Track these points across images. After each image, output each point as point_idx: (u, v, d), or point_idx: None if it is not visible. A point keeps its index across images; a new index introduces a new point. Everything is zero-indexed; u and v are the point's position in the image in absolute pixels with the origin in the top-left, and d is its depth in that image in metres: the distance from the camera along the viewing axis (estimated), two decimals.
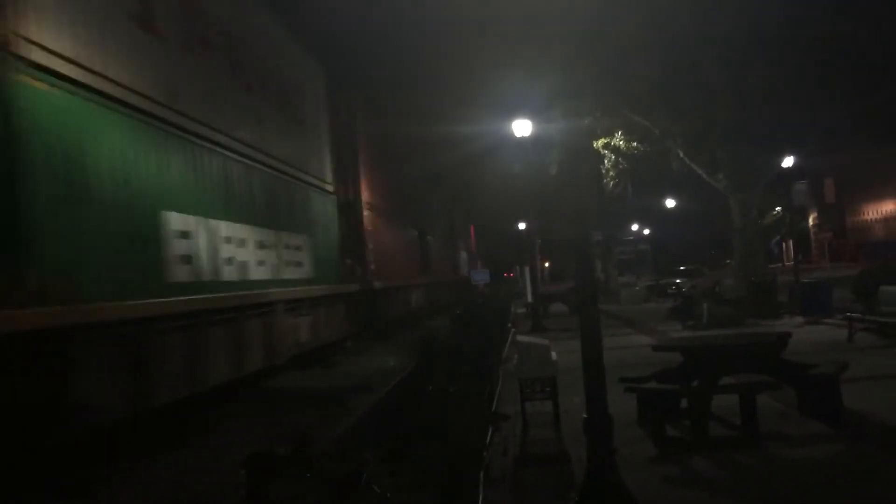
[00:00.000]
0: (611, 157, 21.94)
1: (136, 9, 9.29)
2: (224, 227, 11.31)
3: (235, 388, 11.81)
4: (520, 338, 10.13)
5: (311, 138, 17.12)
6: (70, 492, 7.03)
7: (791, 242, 50.86)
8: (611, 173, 22.07)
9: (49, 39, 7.42)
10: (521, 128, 17.85)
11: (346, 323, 17.76)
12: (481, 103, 24.70)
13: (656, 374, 7.53)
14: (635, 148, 21.32)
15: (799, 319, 16.87)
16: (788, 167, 21.04)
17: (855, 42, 15.99)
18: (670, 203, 43.45)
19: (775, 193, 29.52)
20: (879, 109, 20.79)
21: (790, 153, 20.23)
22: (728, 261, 39.50)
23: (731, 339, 9.48)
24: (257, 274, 12.50)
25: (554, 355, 8.21)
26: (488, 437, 6.98)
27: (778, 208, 37.89)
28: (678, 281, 33.74)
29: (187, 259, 9.97)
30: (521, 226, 36.05)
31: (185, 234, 9.97)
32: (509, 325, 20.20)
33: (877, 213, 52.83)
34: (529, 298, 25.22)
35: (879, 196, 52.07)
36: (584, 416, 4.95)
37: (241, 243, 11.97)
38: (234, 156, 12.05)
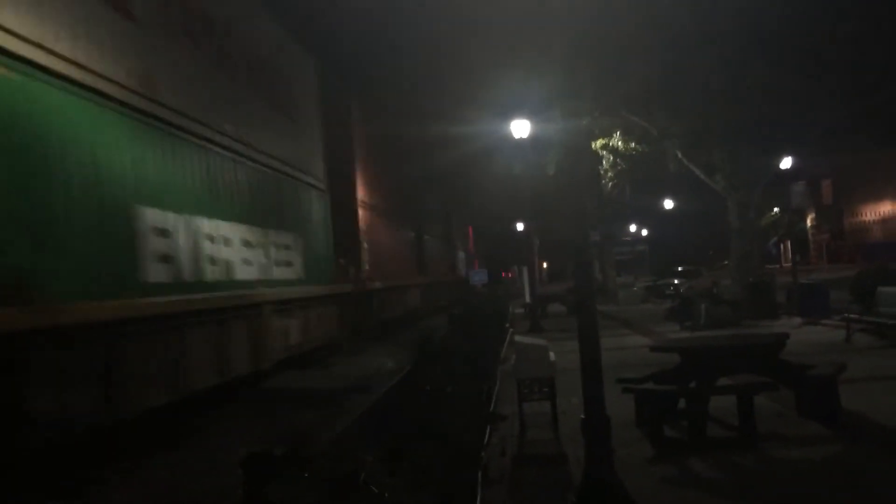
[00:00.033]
0: (609, 158, 21.96)
1: None
2: (207, 225, 10.81)
3: (236, 388, 11.76)
4: (518, 338, 10.13)
5: (302, 133, 16.66)
6: (68, 492, 7.01)
7: (789, 243, 50.98)
8: (609, 174, 22.07)
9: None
10: (520, 128, 17.86)
11: (339, 324, 17.35)
12: (480, 103, 24.71)
13: (654, 375, 7.54)
14: (633, 149, 21.34)
15: (797, 320, 16.88)
16: (786, 168, 21.07)
17: (853, 43, 16.01)
18: (668, 204, 43.50)
19: (773, 194, 29.54)
20: (878, 110, 20.82)
21: (788, 154, 20.26)
22: (726, 261, 39.50)
23: (728, 339, 9.48)
24: (243, 274, 12.01)
25: (552, 356, 8.21)
26: (486, 438, 6.97)
27: (776, 209, 37.94)
28: (676, 281, 33.74)
29: (166, 258, 9.46)
30: (520, 226, 36.04)
31: (163, 232, 9.45)
32: (507, 325, 20.20)
33: (874, 214, 52.89)
34: (528, 299, 25.23)
35: (877, 197, 52.15)
36: (582, 416, 4.96)
37: (226, 242, 11.48)
38: (218, 149, 11.54)
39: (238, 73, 13.01)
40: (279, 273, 13.80)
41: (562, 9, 5.02)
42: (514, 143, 19.87)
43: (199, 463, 8.04)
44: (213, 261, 10.86)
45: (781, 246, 55.41)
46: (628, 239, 59.00)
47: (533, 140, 18.37)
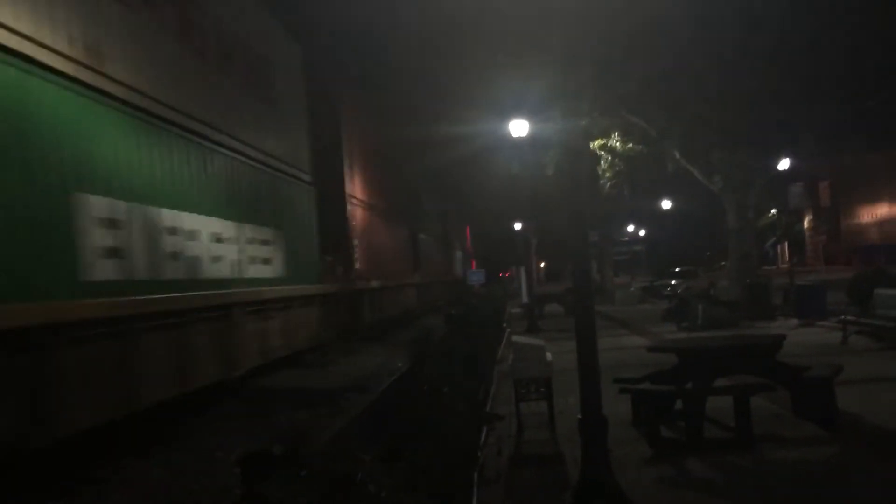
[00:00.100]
0: (607, 158, 21.94)
1: None
2: (168, 216, 9.75)
3: (236, 388, 11.69)
4: (515, 338, 10.12)
5: (283, 122, 15.60)
6: (66, 491, 6.99)
7: (786, 245, 51.06)
8: (607, 174, 22.05)
9: None
10: (518, 128, 17.85)
11: (325, 327, 16.50)
12: (478, 103, 24.69)
13: (651, 376, 7.55)
14: (632, 149, 21.33)
15: (793, 322, 16.91)
16: (784, 170, 21.10)
17: (852, 44, 16.03)
18: (666, 204, 43.51)
19: (771, 195, 29.56)
20: (876, 112, 20.84)
21: (786, 155, 20.28)
22: (723, 262, 39.55)
23: (725, 340, 9.49)
24: (213, 272, 11.00)
25: (549, 356, 8.21)
26: (483, 438, 6.97)
27: (773, 210, 37.99)
28: (673, 282, 33.79)
29: (115, 252, 8.38)
30: (518, 226, 36.09)
31: (111, 223, 8.35)
32: (504, 325, 20.20)
33: (871, 216, 53.00)
34: (525, 299, 25.23)
35: (874, 199, 52.28)
36: (579, 416, 4.96)
37: (191, 236, 10.44)
38: (183, 132, 10.47)
39: (206, 49, 11.83)
40: (255, 271, 12.85)
41: (561, 9, 5.03)
42: (513, 143, 19.87)
43: (196, 462, 8.04)
44: (174, 257, 9.87)
45: (778, 247, 55.51)
46: (626, 239, 59.04)
47: (532, 140, 18.36)
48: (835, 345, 12.77)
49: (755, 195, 20.32)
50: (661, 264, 54.16)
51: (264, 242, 13.44)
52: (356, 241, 20.46)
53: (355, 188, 21.13)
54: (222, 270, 11.41)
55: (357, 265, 20.21)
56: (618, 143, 20.93)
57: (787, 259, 40.22)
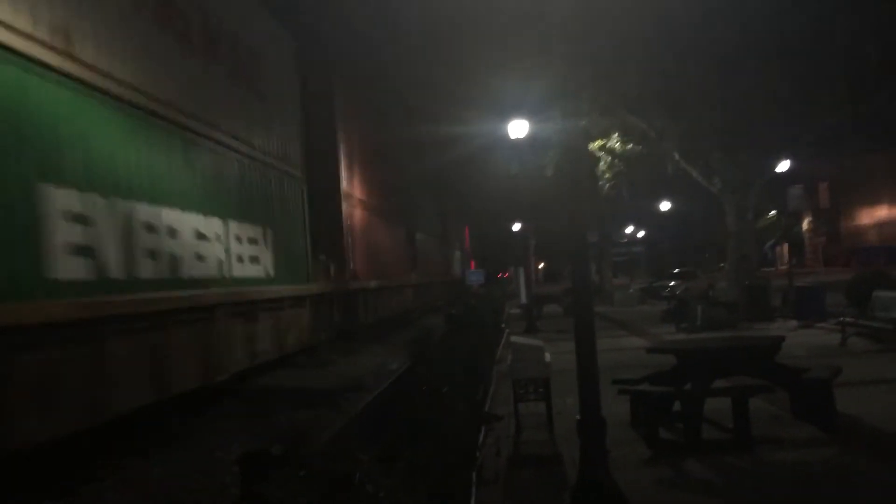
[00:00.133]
0: (607, 159, 21.95)
1: None
2: (144, 211, 9.15)
3: (236, 388, 11.67)
4: (514, 339, 10.13)
5: (274, 116, 14.99)
6: (66, 491, 6.99)
7: (785, 246, 51.09)
8: (606, 175, 22.05)
9: None
10: (518, 128, 17.85)
11: (317, 328, 15.97)
12: (478, 102, 24.71)
13: (650, 377, 7.55)
14: (631, 150, 21.34)
15: (793, 323, 16.91)
16: (783, 171, 21.11)
17: (851, 45, 16.04)
18: (665, 205, 43.55)
19: (770, 197, 29.59)
20: (875, 114, 20.86)
21: (785, 157, 20.29)
22: (722, 264, 39.55)
23: (724, 342, 9.50)
24: (195, 271, 10.44)
25: (547, 356, 8.22)
26: (481, 438, 6.97)
27: (773, 212, 38.02)
28: (672, 283, 33.81)
29: (83, 250, 7.79)
30: (516, 226, 36.12)
31: (79, 218, 7.76)
32: (503, 325, 20.20)
33: (871, 217, 53.08)
34: (524, 299, 25.24)
35: (873, 201, 52.37)
36: (578, 417, 4.96)
37: (171, 233, 9.87)
38: (161, 122, 9.88)
39: (187, 32, 11.16)
40: (242, 270, 12.31)
41: (561, 9, 5.03)
42: (512, 143, 19.86)
43: (195, 461, 8.03)
44: (152, 255, 9.29)
45: (777, 249, 55.56)
46: (625, 241, 59.10)
47: (531, 140, 18.36)
48: (834, 346, 12.78)
49: (754, 196, 20.32)
50: (660, 265, 54.26)
51: (251, 240, 12.92)
52: (352, 241, 20.16)
53: (352, 186, 20.90)
54: (205, 270, 10.83)
55: (353, 265, 19.89)
56: (617, 144, 20.94)
57: (786, 260, 40.22)
